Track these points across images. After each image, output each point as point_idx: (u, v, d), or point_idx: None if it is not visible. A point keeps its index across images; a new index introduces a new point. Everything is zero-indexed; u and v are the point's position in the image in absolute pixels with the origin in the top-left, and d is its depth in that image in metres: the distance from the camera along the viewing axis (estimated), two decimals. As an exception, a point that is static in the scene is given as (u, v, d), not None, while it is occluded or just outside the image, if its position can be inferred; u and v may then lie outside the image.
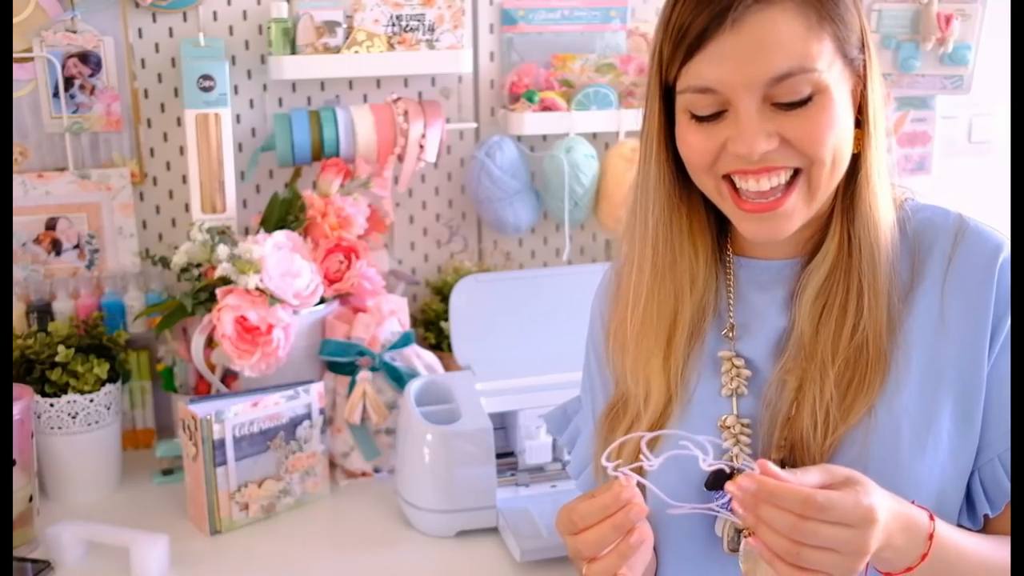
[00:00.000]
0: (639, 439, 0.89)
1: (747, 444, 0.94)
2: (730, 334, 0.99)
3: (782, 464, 0.91)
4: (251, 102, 1.70)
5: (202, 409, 1.37)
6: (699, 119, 0.91)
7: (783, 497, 0.80)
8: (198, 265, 1.52)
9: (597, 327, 1.10)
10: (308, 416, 1.46)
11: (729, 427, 0.95)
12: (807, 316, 0.94)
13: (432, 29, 1.62)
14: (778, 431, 0.93)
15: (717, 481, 0.93)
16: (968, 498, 0.94)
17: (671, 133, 0.95)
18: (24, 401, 1.34)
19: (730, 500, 0.92)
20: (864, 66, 0.92)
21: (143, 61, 1.65)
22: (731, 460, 0.94)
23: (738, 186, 0.91)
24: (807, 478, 0.82)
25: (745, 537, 0.91)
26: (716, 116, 0.90)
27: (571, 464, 1.15)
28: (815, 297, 0.94)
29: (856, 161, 0.94)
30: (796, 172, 0.90)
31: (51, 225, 1.63)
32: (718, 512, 0.89)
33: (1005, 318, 0.91)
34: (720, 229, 1.02)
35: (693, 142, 0.92)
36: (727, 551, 0.94)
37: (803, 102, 0.88)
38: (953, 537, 0.87)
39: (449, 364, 1.61)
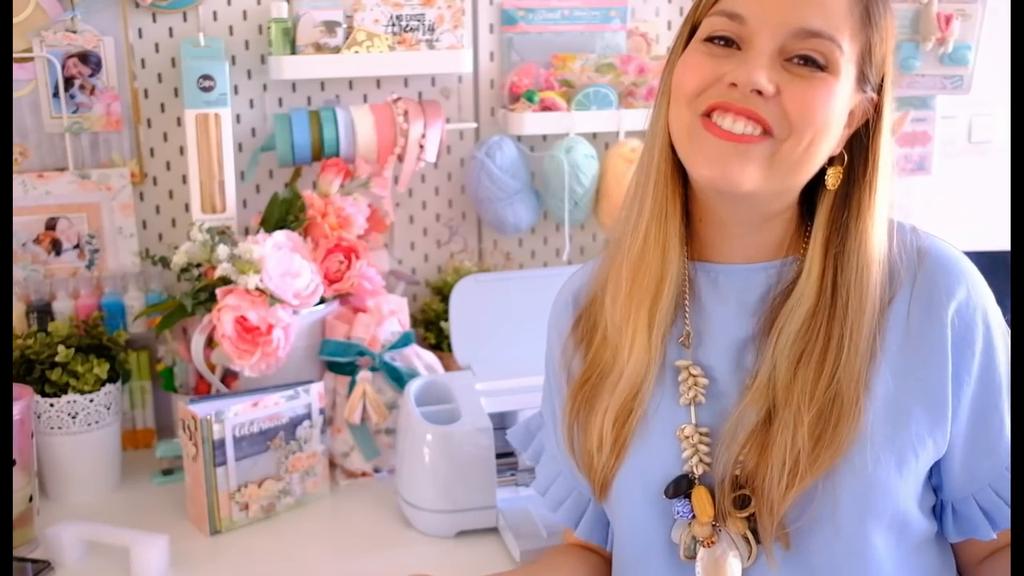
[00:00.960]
0: None
1: (706, 453, 0.94)
2: (686, 342, 0.98)
3: (736, 479, 0.91)
4: (251, 102, 1.70)
5: (202, 409, 1.37)
6: (714, 47, 0.90)
7: None
8: (198, 265, 1.52)
9: (555, 348, 1.09)
10: (308, 416, 1.46)
11: (688, 436, 0.95)
12: (784, 359, 0.92)
13: (432, 29, 1.62)
14: (738, 450, 0.91)
15: (678, 489, 0.94)
16: (971, 521, 0.95)
17: None
18: (24, 401, 1.34)
19: (691, 508, 0.93)
20: (876, 109, 0.93)
21: (143, 61, 1.65)
22: (691, 470, 0.94)
23: (713, 120, 0.89)
24: None
25: (702, 545, 0.92)
26: (730, 50, 0.90)
27: (537, 482, 1.14)
28: (794, 341, 0.92)
29: (850, 201, 0.93)
30: (767, 138, 0.89)
31: (51, 225, 1.63)
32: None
33: (966, 363, 0.91)
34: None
35: (694, 65, 0.91)
36: (683, 558, 0.94)
37: (814, 67, 0.88)
38: None
39: (449, 364, 1.61)
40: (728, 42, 0.90)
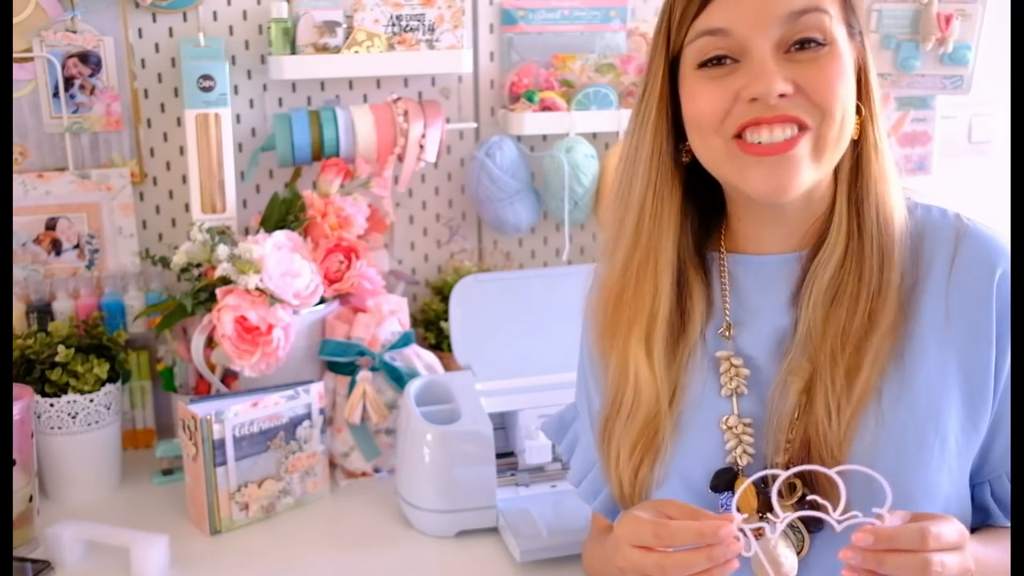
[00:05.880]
0: (774, 477, 0.85)
1: (750, 444, 0.94)
2: (727, 333, 0.97)
3: (788, 465, 0.90)
4: (251, 102, 1.70)
5: (202, 409, 1.37)
6: (710, 69, 0.89)
7: (901, 539, 0.79)
8: (198, 265, 1.52)
9: (588, 331, 1.08)
10: (308, 416, 1.46)
11: (731, 427, 0.94)
12: (817, 307, 0.92)
13: (432, 29, 1.62)
14: (784, 432, 0.91)
15: (723, 482, 0.93)
16: (983, 509, 0.94)
17: (673, 106, 0.94)
18: (24, 401, 1.34)
19: (733, 499, 0.91)
20: (863, 47, 0.93)
21: (143, 61, 1.65)
22: (735, 461, 0.94)
23: (749, 140, 0.89)
24: (895, 520, 0.81)
25: (757, 537, 0.90)
26: (728, 66, 0.89)
27: (572, 473, 1.14)
28: (826, 288, 0.92)
29: (859, 147, 0.93)
30: (804, 131, 0.88)
31: (51, 225, 1.63)
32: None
33: (1007, 331, 0.90)
34: (705, 232, 1.00)
35: (704, 95, 0.90)
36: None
37: (817, 46, 0.87)
38: (985, 553, 0.88)
39: (449, 364, 1.61)
40: (721, 59, 0.89)
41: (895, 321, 0.90)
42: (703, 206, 1.01)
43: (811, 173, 0.89)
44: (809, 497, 0.87)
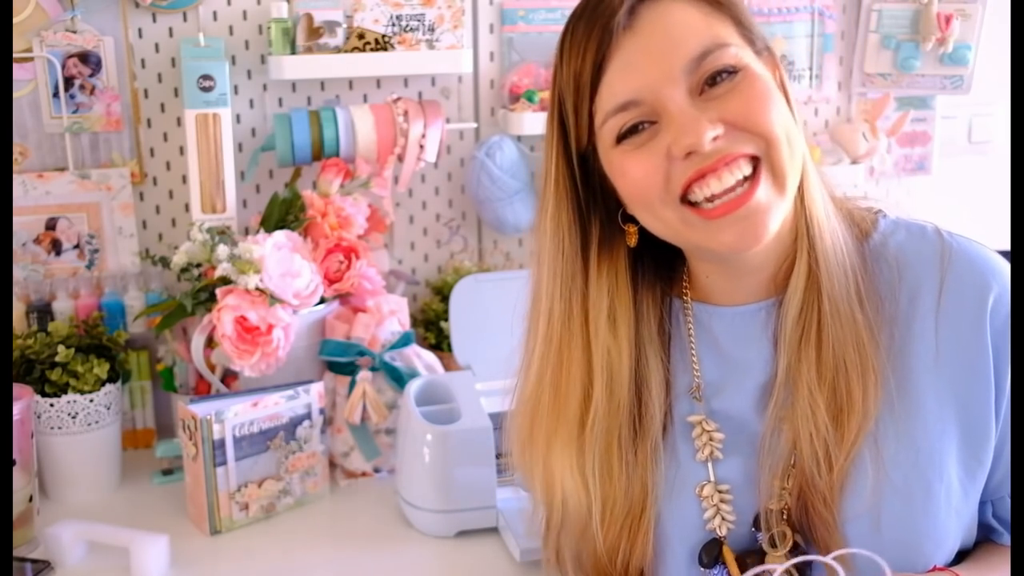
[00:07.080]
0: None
1: (728, 512, 0.90)
2: (698, 395, 0.93)
3: (781, 513, 0.87)
4: (251, 102, 1.70)
5: (202, 409, 1.37)
6: (631, 139, 0.84)
7: None
8: (198, 265, 1.52)
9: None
10: (308, 416, 1.46)
11: (707, 496, 0.90)
12: (793, 349, 0.88)
13: (432, 29, 1.62)
14: (779, 480, 0.88)
15: (712, 557, 0.89)
16: (984, 525, 0.93)
17: (577, 195, 0.90)
18: (24, 401, 1.34)
19: (727, 571, 0.89)
20: (775, 61, 0.89)
21: (143, 61, 1.65)
22: (715, 530, 0.90)
23: (700, 197, 0.83)
24: None
25: None
26: (648, 130, 0.83)
27: None
28: (793, 327, 0.88)
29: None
30: (756, 164, 0.83)
31: (51, 225, 1.63)
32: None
33: (1006, 359, 0.87)
34: (660, 277, 0.96)
35: (634, 167, 0.84)
36: None
37: (730, 75, 0.83)
38: None
39: (449, 364, 1.61)
40: (637, 126, 0.84)
41: (868, 344, 0.86)
42: (654, 252, 0.95)
43: (778, 208, 0.84)
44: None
